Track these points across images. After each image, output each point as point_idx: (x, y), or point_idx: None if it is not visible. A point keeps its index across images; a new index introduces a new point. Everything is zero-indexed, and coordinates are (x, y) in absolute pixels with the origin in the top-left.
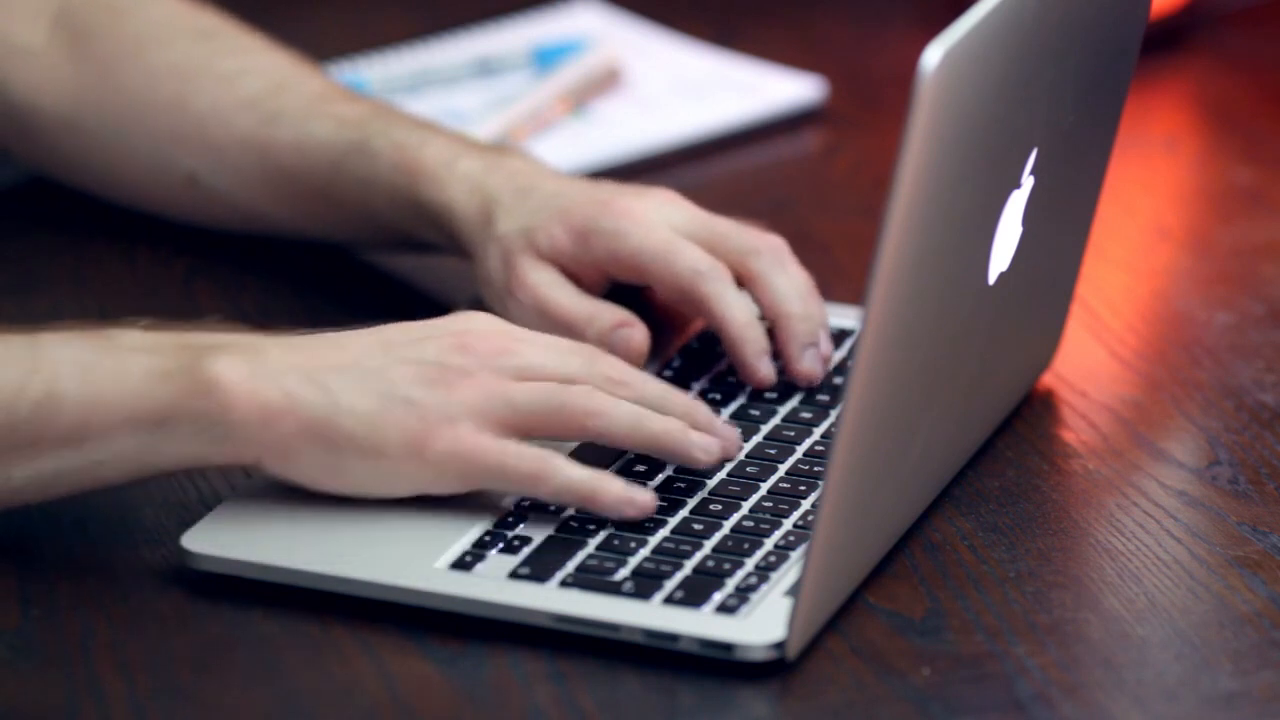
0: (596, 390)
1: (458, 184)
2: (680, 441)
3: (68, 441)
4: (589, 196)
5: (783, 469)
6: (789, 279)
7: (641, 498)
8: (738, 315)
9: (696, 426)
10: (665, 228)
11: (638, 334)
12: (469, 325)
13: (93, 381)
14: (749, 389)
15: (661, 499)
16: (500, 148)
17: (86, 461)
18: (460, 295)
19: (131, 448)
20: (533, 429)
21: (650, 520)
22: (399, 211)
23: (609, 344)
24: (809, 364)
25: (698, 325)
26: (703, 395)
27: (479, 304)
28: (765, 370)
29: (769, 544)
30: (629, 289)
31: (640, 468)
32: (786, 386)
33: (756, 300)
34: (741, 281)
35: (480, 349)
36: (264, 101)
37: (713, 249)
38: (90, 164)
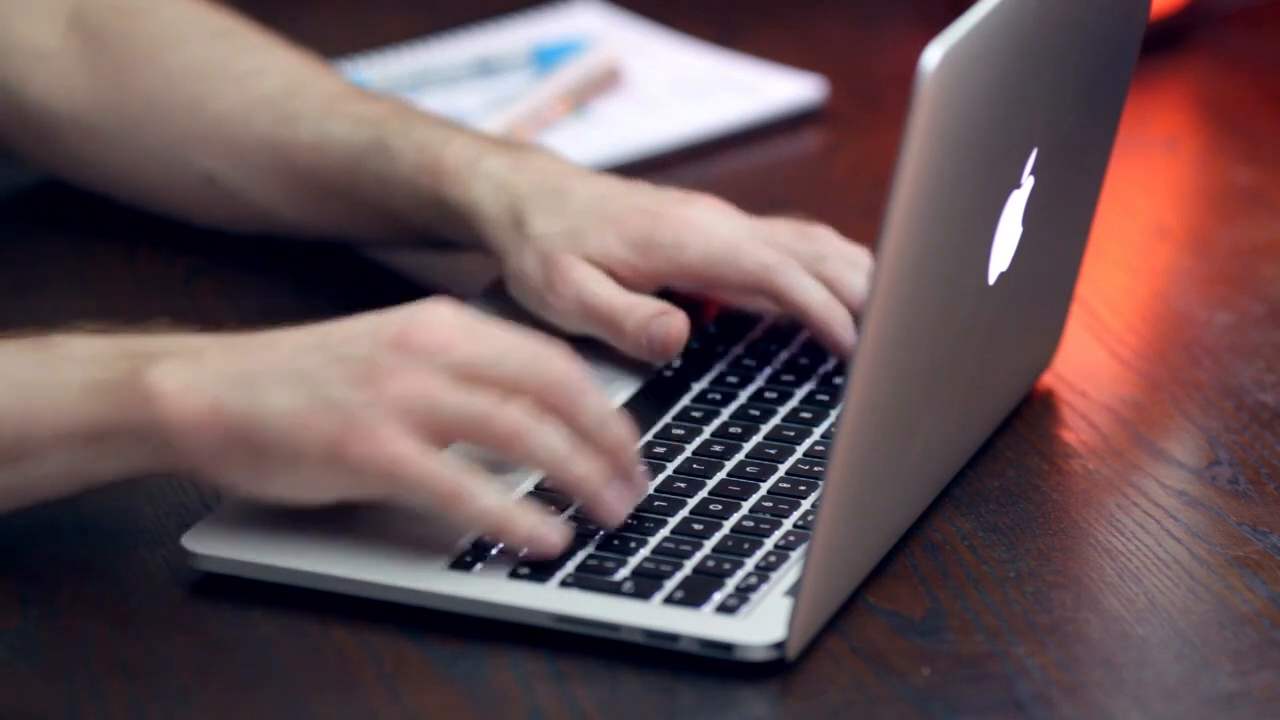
0: (528, 410)
1: (482, 183)
2: (593, 495)
3: (4, 460)
4: (636, 206)
5: (783, 469)
6: (859, 272)
7: (550, 537)
8: (817, 298)
9: (617, 469)
10: (723, 234)
11: (677, 320)
12: (414, 318)
13: (29, 398)
14: (749, 389)
15: (661, 499)
16: (523, 145)
17: (24, 479)
18: (463, 291)
19: (69, 463)
20: (455, 438)
21: (650, 520)
22: (421, 211)
23: (649, 332)
24: None
25: (706, 320)
26: (703, 395)
27: (495, 292)
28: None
29: (769, 544)
30: None
31: (640, 467)
32: (785, 386)
33: (842, 300)
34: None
35: (418, 344)
36: (281, 101)
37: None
38: (107, 166)
